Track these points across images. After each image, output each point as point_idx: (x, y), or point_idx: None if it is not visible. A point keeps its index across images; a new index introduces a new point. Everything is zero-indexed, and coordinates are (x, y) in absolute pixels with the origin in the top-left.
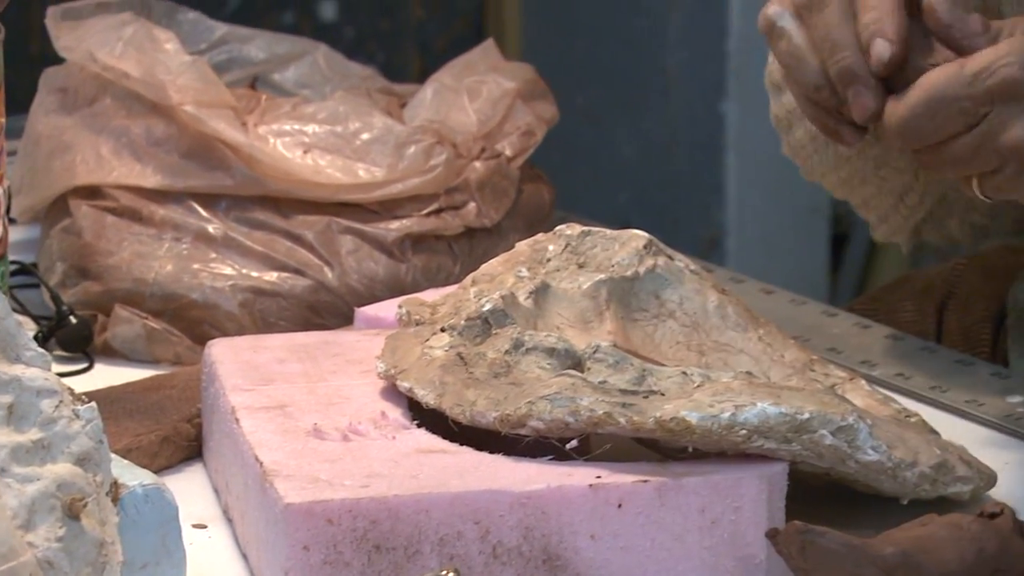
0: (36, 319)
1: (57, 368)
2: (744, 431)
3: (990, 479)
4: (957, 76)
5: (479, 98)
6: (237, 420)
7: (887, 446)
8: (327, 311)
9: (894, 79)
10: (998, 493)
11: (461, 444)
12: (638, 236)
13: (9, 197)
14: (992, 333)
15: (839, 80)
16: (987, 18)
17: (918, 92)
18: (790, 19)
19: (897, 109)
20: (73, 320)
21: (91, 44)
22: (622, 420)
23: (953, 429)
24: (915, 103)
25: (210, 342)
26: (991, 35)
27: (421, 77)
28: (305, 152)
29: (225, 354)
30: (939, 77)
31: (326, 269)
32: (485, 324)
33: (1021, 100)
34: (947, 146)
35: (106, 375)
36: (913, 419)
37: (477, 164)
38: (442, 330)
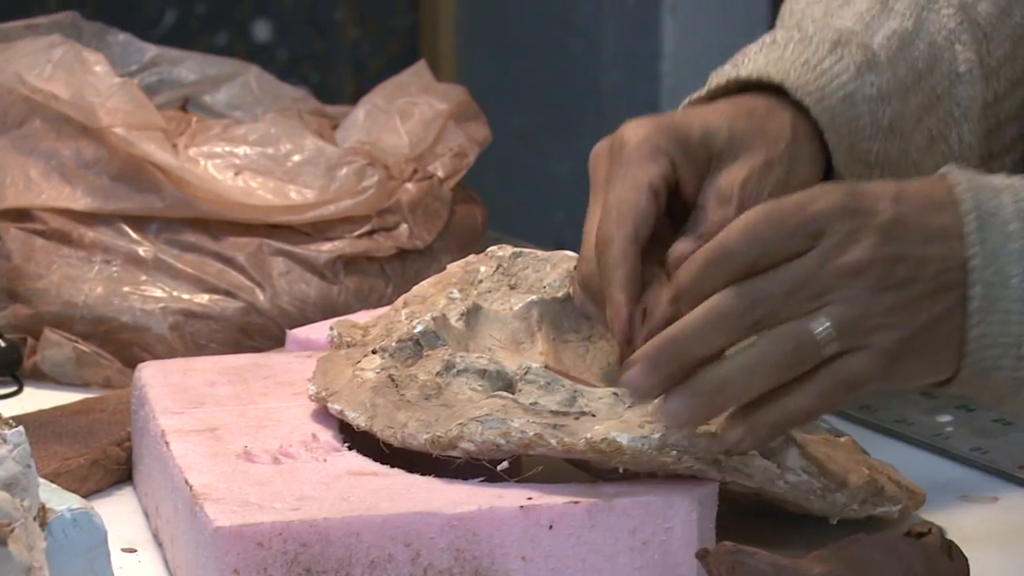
0: None
1: None
2: (674, 452)
3: (918, 498)
4: (767, 214)
5: (411, 119)
6: (167, 443)
7: (816, 467)
8: (258, 333)
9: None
10: (926, 512)
11: (392, 466)
12: (569, 257)
13: None
14: None
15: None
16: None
17: (703, 250)
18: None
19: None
20: (2, 343)
21: (20, 66)
22: (553, 442)
23: (882, 449)
24: (702, 259)
25: (140, 365)
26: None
27: (356, 98)
28: (236, 174)
29: (155, 377)
30: (746, 217)
31: (257, 291)
32: (417, 346)
33: (846, 236)
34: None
35: (36, 398)
36: (842, 439)
37: (409, 185)
38: (373, 352)
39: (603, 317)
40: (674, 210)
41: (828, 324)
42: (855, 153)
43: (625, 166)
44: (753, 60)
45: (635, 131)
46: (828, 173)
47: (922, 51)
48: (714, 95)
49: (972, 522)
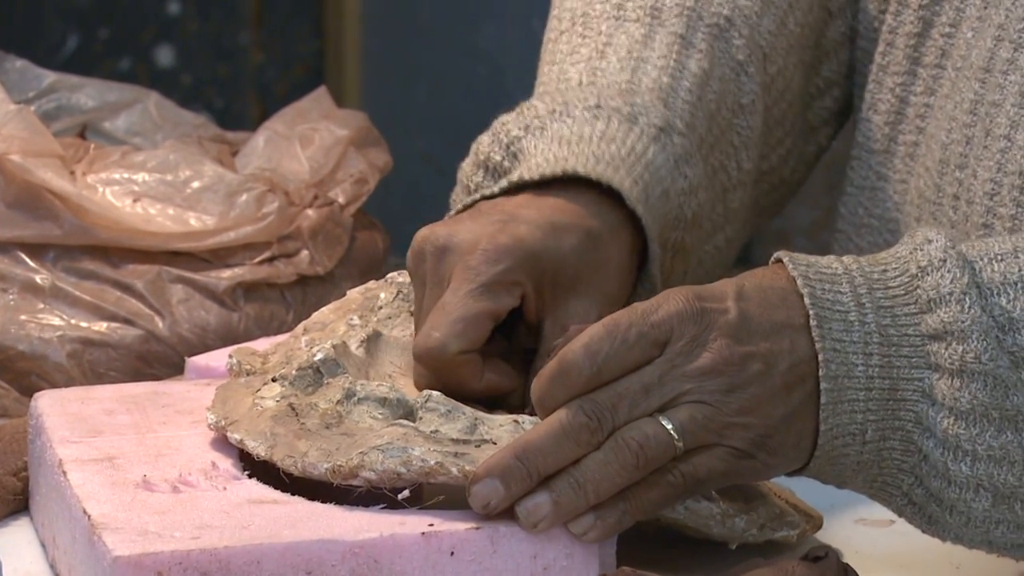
0: None
1: None
2: None
3: (816, 522)
4: (605, 326)
5: (311, 146)
6: (64, 473)
7: (716, 493)
8: (158, 361)
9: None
10: (823, 536)
11: (293, 494)
12: None
13: None
14: None
15: None
16: None
17: (551, 365)
18: None
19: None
20: None
21: None
22: (454, 470)
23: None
24: (548, 374)
25: (37, 394)
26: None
27: (261, 123)
28: (135, 201)
29: (52, 406)
30: (589, 333)
31: (157, 319)
32: (317, 374)
33: (695, 339)
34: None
35: None
36: None
37: (310, 212)
38: (273, 380)
39: None
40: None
41: (674, 426)
42: (663, 241)
43: (468, 285)
44: (578, 132)
45: (493, 259)
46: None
47: (714, 92)
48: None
49: (868, 545)
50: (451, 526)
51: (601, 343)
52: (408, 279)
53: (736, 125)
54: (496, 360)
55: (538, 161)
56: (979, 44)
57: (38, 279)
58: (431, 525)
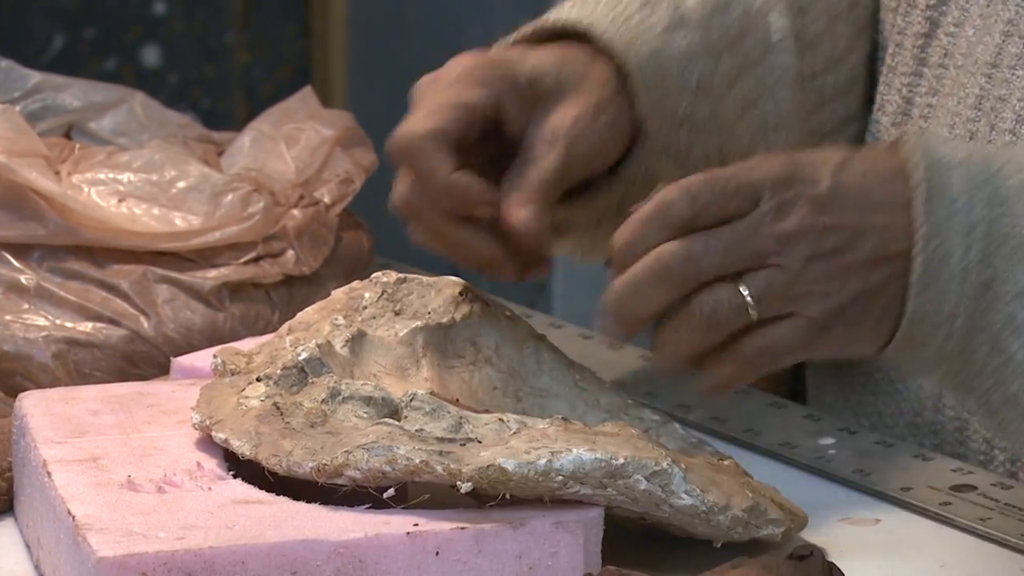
0: None
1: None
2: (560, 477)
3: (801, 521)
4: (707, 181)
5: (297, 146)
6: (49, 473)
7: (700, 490)
8: (143, 361)
9: None
10: (808, 534)
11: (278, 494)
12: (454, 283)
13: None
14: (792, 371)
15: None
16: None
17: (646, 209)
18: None
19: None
20: None
21: None
22: (439, 468)
23: (766, 471)
24: (639, 218)
25: (21, 394)
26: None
27: (247, 123)
28: (120, 201)
29: (36, 406)
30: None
31: (142, 319)
32: (301, 373)
33: (783, 206)
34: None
35: None
36: (726, 462)
37: (295, 212)
38: (258, 380)
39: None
40: (496, 151)
41: (753, 289)
42: (662, 110)
43: (445, 87)
44: (564, 13)
45: (461, 61)
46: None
47: (735, 18)
48: (524, 41)
49: (854, 544)
50: (436, 526)
51: (701, 187)
52: (392, 279)
53: (765, 63)
54: (473, 170)
55: (522, 30)
56: (985, 40)
57: (23, 279)
58: (416, 525)
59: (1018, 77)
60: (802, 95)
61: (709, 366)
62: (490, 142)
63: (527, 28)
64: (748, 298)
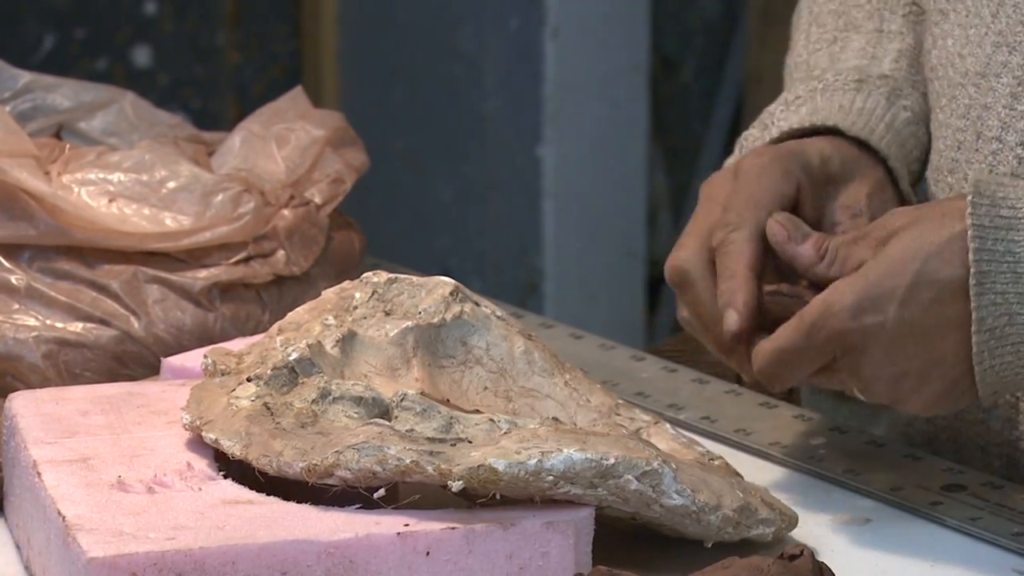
0: None
1: None
2: (551, 477)
3: (791, 520)
4: (797, 330)
5: (287, 146)
6: (39, 474)
7: (691, 490)
8: (134, 361)
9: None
10: (799, 534)
11: (268, 494)
12: (444, 283)
13: None
14: None
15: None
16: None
17: (771, 345)
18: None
19: (758, 360)
20: None
21: None
22: (430, 468)
23: (756, 471)
24: (769, 357)
25: (11, 395)
26: (826, 263)
27: (238, 123)
28: (110, 201)
29: (27, 407)
30: (785, 332)
31: (132, 319)
32: (292, 373)
33: (855, 347)
34: (815, 379)
35: None
36: (716, 462)
37: (286, 212)
38: (248, 380)
39: (697, 315)
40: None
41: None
42: (913, 177)
43: (753, 182)
44: (788, 121)
45: (759, 157)
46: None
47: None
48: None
49: (844, 544)
50: (427, 526)
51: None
52: (383, 279)
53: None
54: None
55: (761, 139)
56: (975, 52)
57: (13, 279)
58: (407, 525)
59: (1002, 84)
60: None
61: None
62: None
63: (768, 132)
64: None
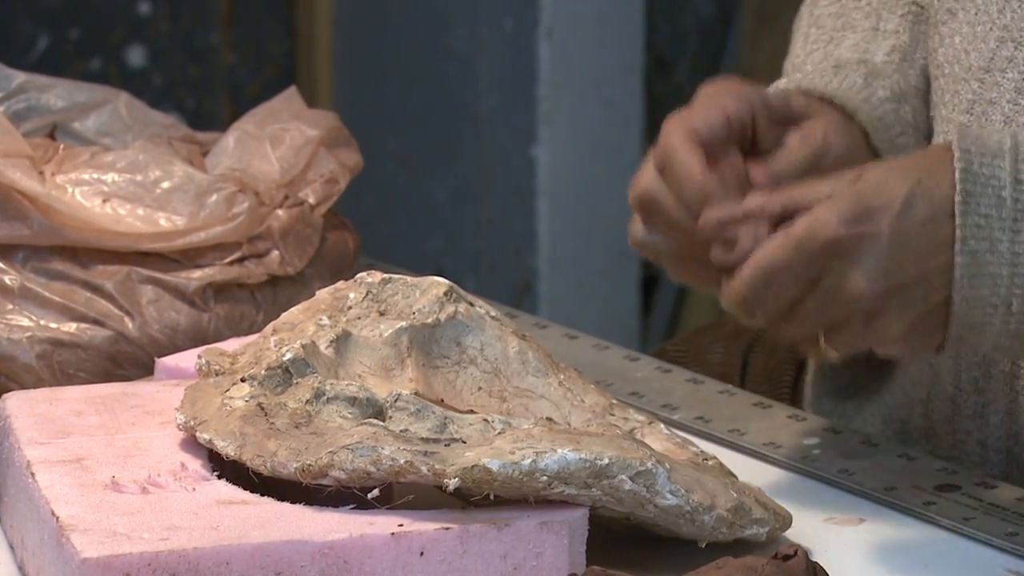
0: None
1: None
2: (545, 478)
3: (786, 521)
4: (783, 246)
5: (282, 146)
6: (33, 474)
7: (685, 490)
8: (128, 362)
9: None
10: (793, 534)
11: (263, 495)
12: (438, 283)
13: None
14: (793, 375)
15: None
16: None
17: (750, 268)
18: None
19: (733, 288)
20: None
21: None
22: (424, 469)
23: (751, 471)
24: (749, 279)
25: (5, 395)
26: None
27: (232, 123)
28: (104, 201)
29: (20, 407)
30: (767, 250)
31: (126, 319)
32: (286, 373)
33: (849, 255)
34: (792, 311)
35: None
36: (711, 462)
37: (280, 212)
38: (242, 380)
39: (662, 227)
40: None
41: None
42: (891, 148)
43: (702, 100)
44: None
45: (717, 82)
46: None
47: (922, 64)
48: None
49: (838, 544)
50: (421, 526)
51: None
52: (377, 279)
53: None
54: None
55: None
56: (979, 47)
57: (7, 280)
58: (401, 525)
59: (1007, 79)
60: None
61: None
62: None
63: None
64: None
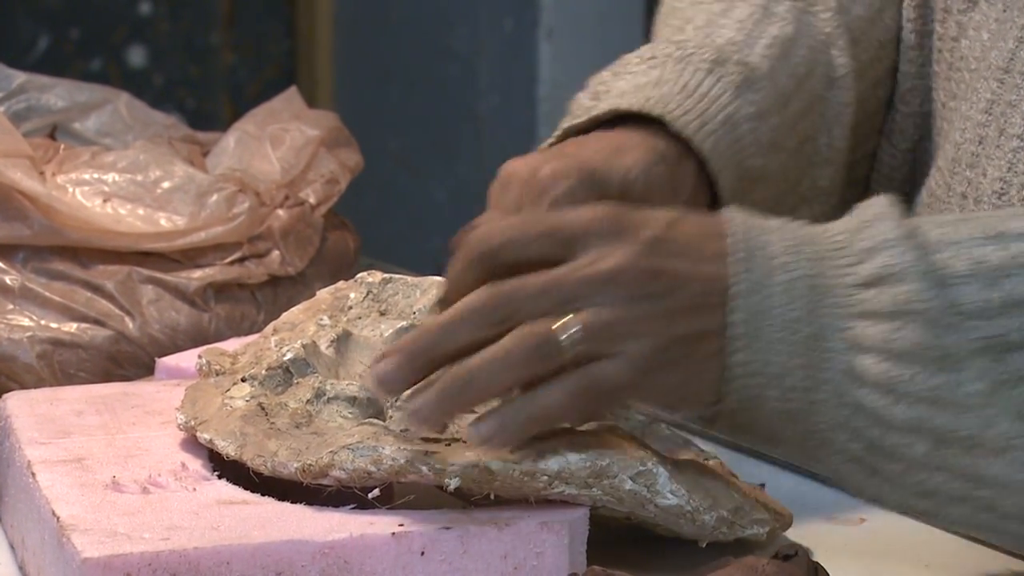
0: None
1: None
2: (545, 477)
3: (786, 520)
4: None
5: (282, 146)
6: (33, 474)
7: (686, 490)
8: (128, 362)
9: None
10: (794, 534)
11: (263, 495)
12: (439, 283)
13: None
14: None
15: None
16: None
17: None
18: None
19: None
20: None
21: None
22: (424, 468)
23: (751, 470)
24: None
25: (5, 395)
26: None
27: (232, 123)
28: (105, 201)
29: (21, 407)
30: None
31: (127, 319)
32: (286, 373)
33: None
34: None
35: None
36: (711, 462)
37: (280, 212)
38: (243, 380)
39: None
40: None
41: (575, 328)
42: (740, 171)
43: (533, 198)
44: (633, 82)
45: (556, 177)
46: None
47: (802, 56)
48: (598, 122)
49: (839, 543)
50: (421, 526)
51: (508, 225)
52: (377, 279)
53: (827, 98)
54: None
55: (594, 108)
56: (999, 46)
57: (7, 280)
58: (401, 525)
59: None
60: (853, 130)
61: (535, 400)
62: None
63: (602, 106)
64: (570, 335)
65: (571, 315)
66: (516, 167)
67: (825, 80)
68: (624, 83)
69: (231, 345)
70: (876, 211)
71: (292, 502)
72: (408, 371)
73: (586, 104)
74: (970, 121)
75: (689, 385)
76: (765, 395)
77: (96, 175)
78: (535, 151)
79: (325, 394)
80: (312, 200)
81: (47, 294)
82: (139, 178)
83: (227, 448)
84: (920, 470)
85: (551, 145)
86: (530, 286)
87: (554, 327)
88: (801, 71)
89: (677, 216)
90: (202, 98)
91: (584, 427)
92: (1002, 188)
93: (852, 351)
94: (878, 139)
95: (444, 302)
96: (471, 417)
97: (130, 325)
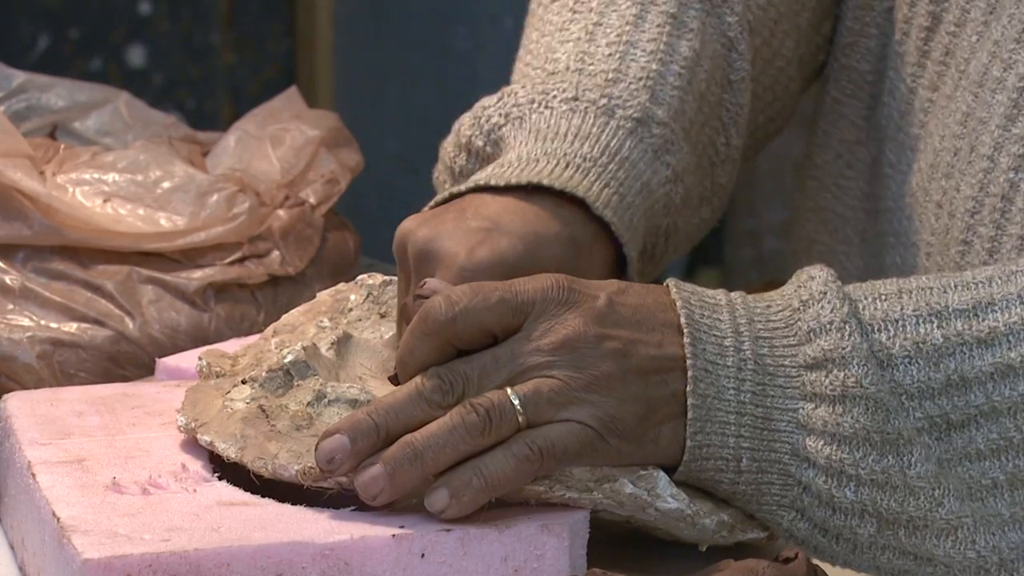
0: None
1: None
2: (546, 481)
3: None
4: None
5: (282, 146)
6: (33, 475)
7: (686, 494)
8: (128, 362)
9: None
10: None
11: (264, 496)
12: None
13: None
14: None
15: None
16: None
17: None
18: None
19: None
20: None
21: None
22: None
23: None
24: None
25: (6, 396)
26: None
27: (232, 123)
28: (105, 201)
29: (21, 407)
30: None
31: (127, 319)
32: (287, 375)
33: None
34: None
35: None
36: None
37: (281, 212)
38: (243, 382)
39: None
40: None
41: (518, 395)
42: (649, 229)
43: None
44: (555, 128)
45: (472, 275)
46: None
47: (705, 71)
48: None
49: None
50: (422, 528)
51: (462, 295)
52: (378, 281)
53: (725, 101)
54: None
55: (512, 160)
56: (977, 56)
57: (7, 280)
58: (402, 527)
59: (997, 101)
60: (748, 131)
61: (485, 468)
62: None
63: (520, 176)
64: (515, 402)
65: (518, 384)
66: (424, 241)
67: (723, 84)
68: (544, 124)
69: (231, 346)
70: (818, 287)
71: (292, 503)
72: (353, 451)
73: (497, 134)
74: (948, 130)
75: (640, 450)
76: (719, 478)
77: (96, 175)
78: (435, 201)
79: (326, 396)
80: (312, 200)
81: (47, 294)
82: (139, 178)
83: (228, 450)
84: (867, 549)
85: (452, 196)
86: (485, 363)
87: (498, 398)
88: (702, 87)
89: (625, 286)
90: (202, 98)
91: None
92: (974, 207)
93: (798, 432)
94: (780, 103)
95: (399, 372)
96: None
97: (130, 325)
